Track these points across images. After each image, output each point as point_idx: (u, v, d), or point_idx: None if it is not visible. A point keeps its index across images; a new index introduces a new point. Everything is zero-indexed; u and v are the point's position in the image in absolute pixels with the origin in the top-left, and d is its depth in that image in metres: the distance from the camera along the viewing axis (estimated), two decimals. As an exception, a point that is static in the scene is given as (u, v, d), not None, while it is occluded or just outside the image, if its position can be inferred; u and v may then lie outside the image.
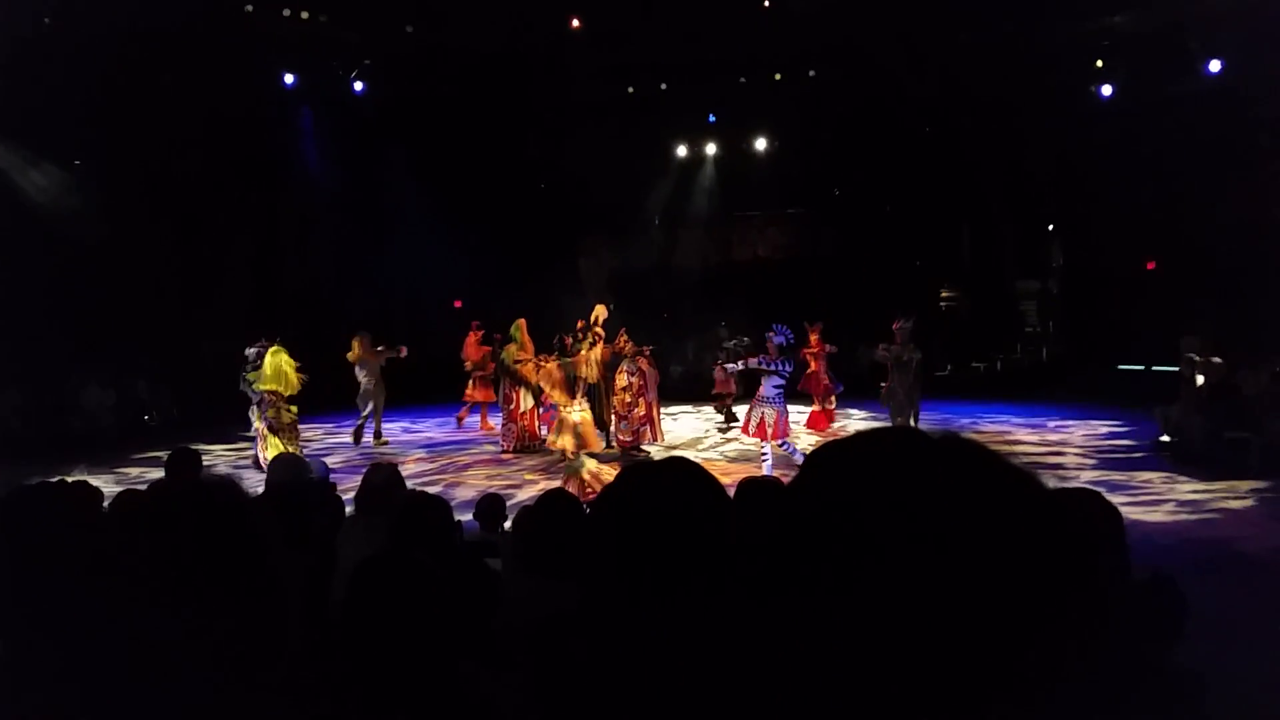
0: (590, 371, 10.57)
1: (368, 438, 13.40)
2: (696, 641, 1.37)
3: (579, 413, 10.37)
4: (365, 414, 13.42)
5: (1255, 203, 14.96)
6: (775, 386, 10.27)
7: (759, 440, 10.40)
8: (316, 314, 16.97)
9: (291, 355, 11.03)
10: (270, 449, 10.57)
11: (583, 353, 10.62)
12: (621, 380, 12.55)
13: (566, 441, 10.26)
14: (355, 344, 13.33)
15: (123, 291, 15.15)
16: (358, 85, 17.31)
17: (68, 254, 14.79)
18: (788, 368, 10.28)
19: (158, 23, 13.70)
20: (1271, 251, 13.77)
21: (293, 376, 10.87)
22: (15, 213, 14.49)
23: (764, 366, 10.28)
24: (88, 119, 14.32)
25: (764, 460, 10.34)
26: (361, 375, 13.29)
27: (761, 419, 10.35)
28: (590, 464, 9.83)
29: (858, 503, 0.82)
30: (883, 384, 12.80)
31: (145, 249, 15.68)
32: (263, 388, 10.78)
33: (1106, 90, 16.20)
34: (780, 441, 10.37)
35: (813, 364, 13.98)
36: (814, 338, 13.97)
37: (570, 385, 10.29)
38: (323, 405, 14.08)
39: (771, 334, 10.46)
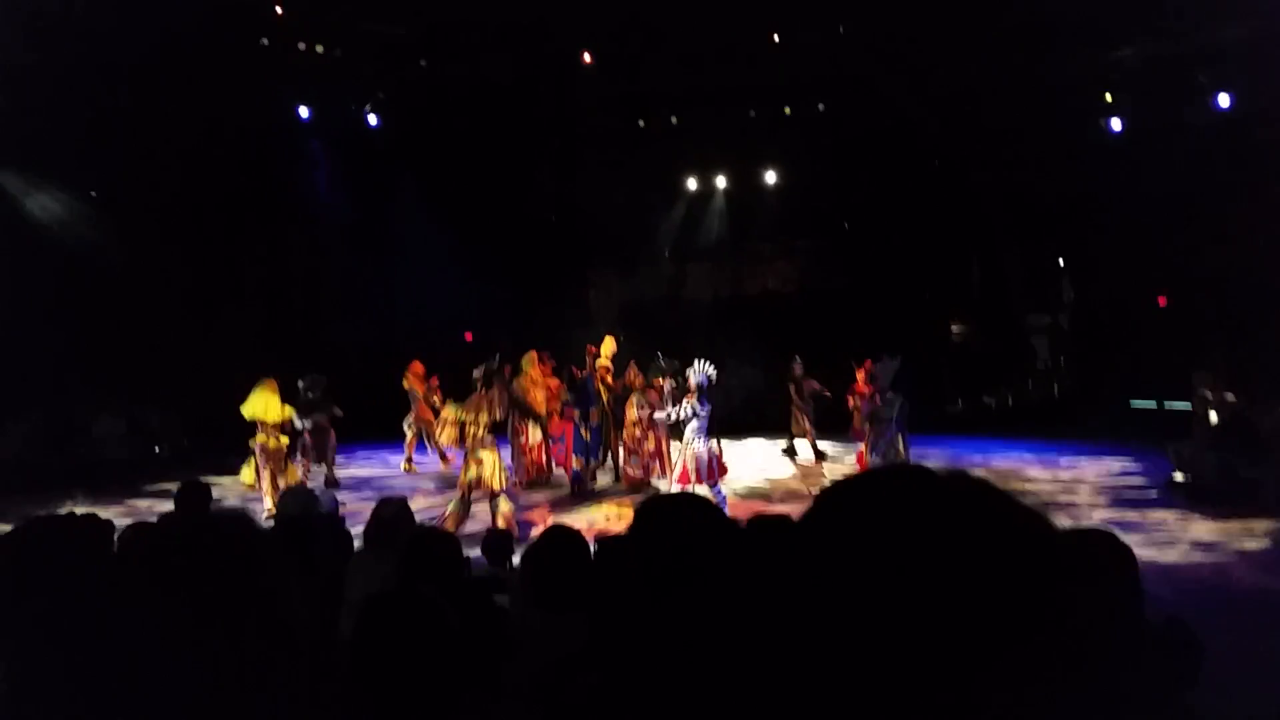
0: (485, 415, 9.83)
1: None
2: (707, 678, 1.35)
3: (482, 452, 9.76)
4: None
5: (1267, 237, 14.94)
6: (696, 430, 9.91)
7: (683, 485, 9.73)
8: (326, 344, 17.03)
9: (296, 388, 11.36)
10: (252, 476, 11.14)
11: (479, 394, 9.93)
12: (631, 414, 12.52)
13: (467, 476, 9.77)
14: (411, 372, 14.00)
15: (135, 321, 15.23)
16: (371, 118, 17.50)
17: (80, 282, 14.90)
18: (705, 408, 9.90)
19: (174, 54, 13.90)
20: (1284, 286, 13.73)
21: (272, 405, 11.02)
22: (27, 240, 14.63)
23: (684, 415, 9.96)
24: (102, 148, 14.49)
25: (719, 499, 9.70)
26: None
27: (684, 463, 9.95)
28: (506, 506, 9.64)
29: (867, 542, 0.82)
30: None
31: (158, 278, 15.80)
32: (247, 413, 11.03)
33: (1116, 124, 16.25)
34: (712, 485, 9.92)
35: (854, 403, 13.34)
36: (861, 376, 13.28)
37: (460, 428, 9.74)
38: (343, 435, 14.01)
39: (691, 372, 10.16)
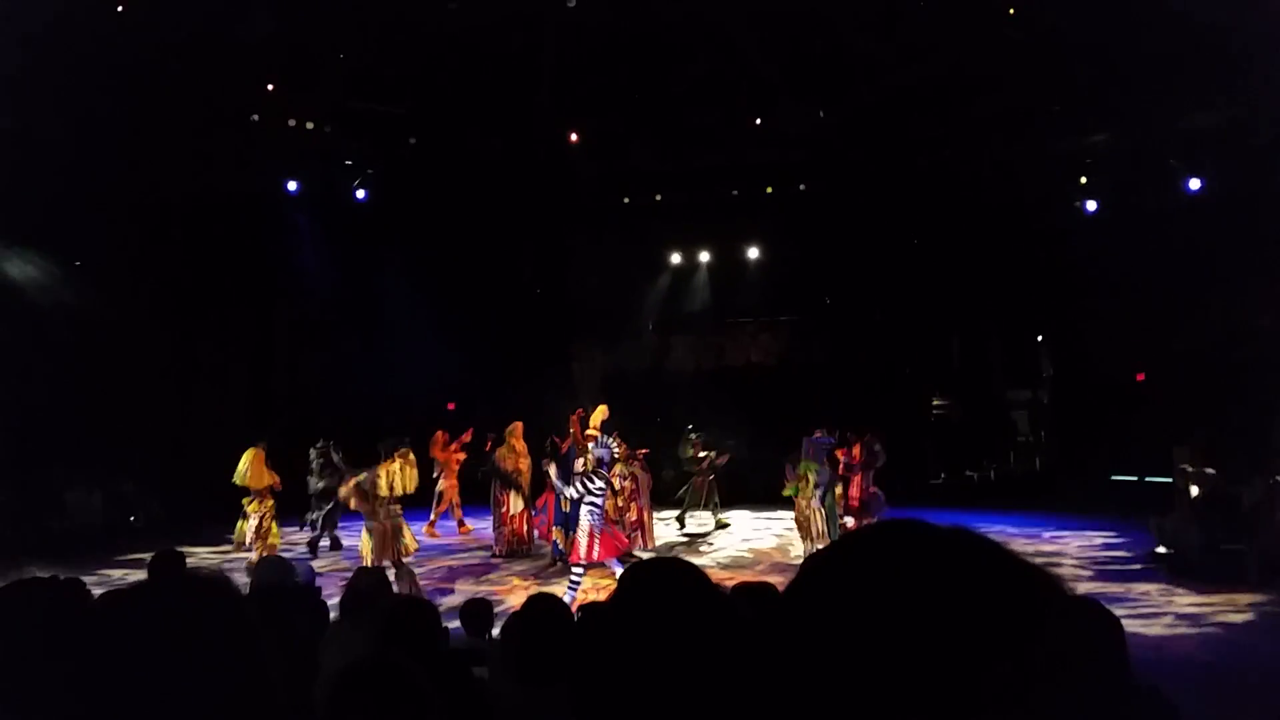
0: (385, 485, 9.90)
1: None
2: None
3: (382, 521, 9.88)
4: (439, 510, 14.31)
5: (1241, 314, 15.21)
6: (589, 503, 9.43)
7: (575, 563, 9.53)
8: (309, 415, 16.92)
9: (282, 455, 11.40)
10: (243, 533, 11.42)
11: (383, 465, 9.97)
12: (614, 484, 12.44)
13: (364, 547, 9.95)
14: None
15: (113, 390, 15.12)
16: (360, 193, 17.68)
17: (58, 349, 14.80)
18: (596, 483, 9.44)
19: (164, 125, 14.06)
20: (1259, 361, 13.92)
21: (257, 472, 11.25)
22: (6, 306, 14.55)
23: (574, 493, 9.55)
24: (88, 215, 14.54)
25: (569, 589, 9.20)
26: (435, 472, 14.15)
27: (575, 539, 9.58)
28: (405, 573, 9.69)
29: (857, 605, 0.80)
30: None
31: (138, 347, 15.73)
32: (237, 479, 11.30)
33: (1091, 205, 16.65)
34: (593, 564, 9.58)
35: (849, 474, 13.07)
36: (856, 449, 13.06)
37: (366, 497, 9.86)
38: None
39: (593, 446, 9.91)
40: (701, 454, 15.47)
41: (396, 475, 9.95)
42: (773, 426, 15.45)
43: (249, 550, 11.27)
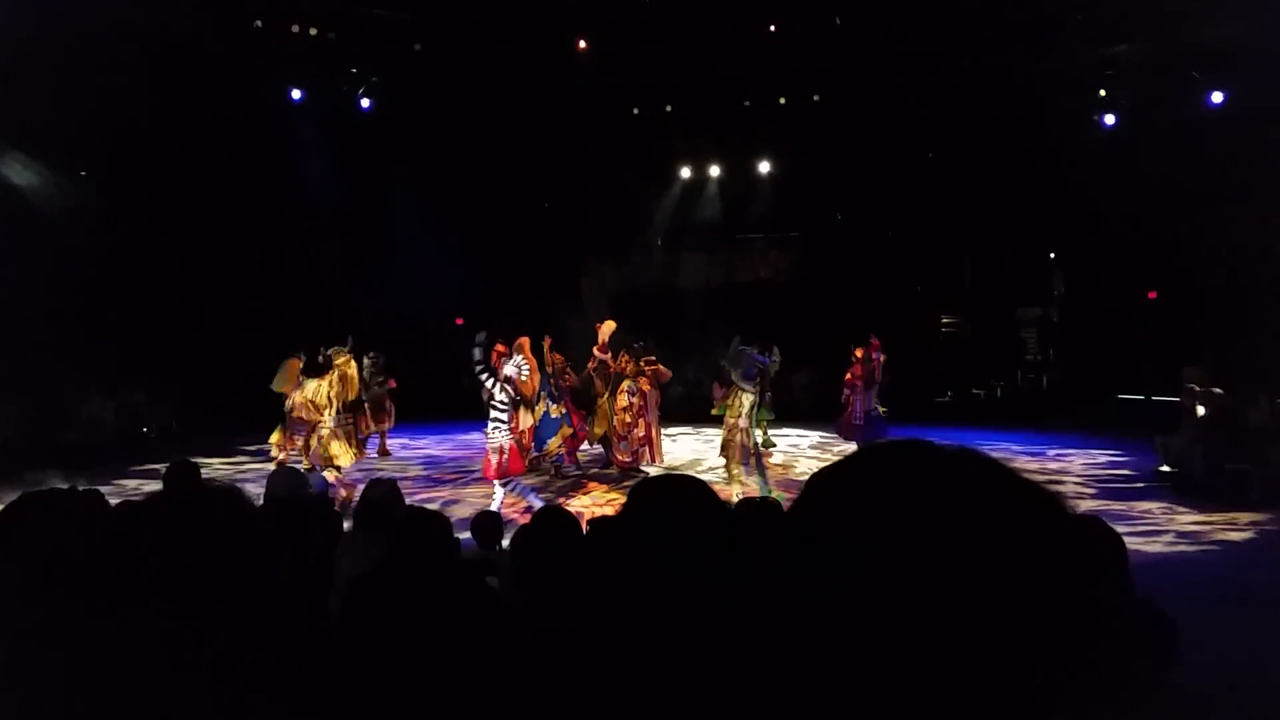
0: (325, 395, 10.17)
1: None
2: (698, 658, 1.36)
3: (327, 427, 10.15)
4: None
5: (1257, 233, 15.00)
6: (493, 420, 9.48)
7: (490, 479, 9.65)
8: (319, 327, 16.97)
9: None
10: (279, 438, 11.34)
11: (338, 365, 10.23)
12: (622, 400, 12.53)
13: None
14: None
15: (124, 301, 15.16)
16: (365, 102, 17.40)
17: (69, 263, 14.81)
18: (506, 398, 9.49)
19: (167, 36, 13.80)
20: (1274, 282, 13.80)
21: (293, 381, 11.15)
22: (15, 221, 14.52)
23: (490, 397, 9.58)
24: (93, 128, 14.38)
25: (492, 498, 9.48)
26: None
27: (486, 456, 9.67)
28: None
29: (861, 519, 0.81)
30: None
31: (148, 259, 15.72)
32: (276, 388, 11.20)
33: (1110, 119, 16.29)
34: (506, 481, 9.62)
35: (851, 393, 12.51)
36: (857, 368, 12.39)
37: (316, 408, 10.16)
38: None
39: (507, 364, 9.81)
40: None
41: (326, 387, 10.16)
42: (782, 344, 15.43)
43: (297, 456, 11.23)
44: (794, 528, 0.87)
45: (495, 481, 9.62)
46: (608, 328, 13.31)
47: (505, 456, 9.44)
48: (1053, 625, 0.76)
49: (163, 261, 16.14)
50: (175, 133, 15.08)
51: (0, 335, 12.99)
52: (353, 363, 10.55)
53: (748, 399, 10.45)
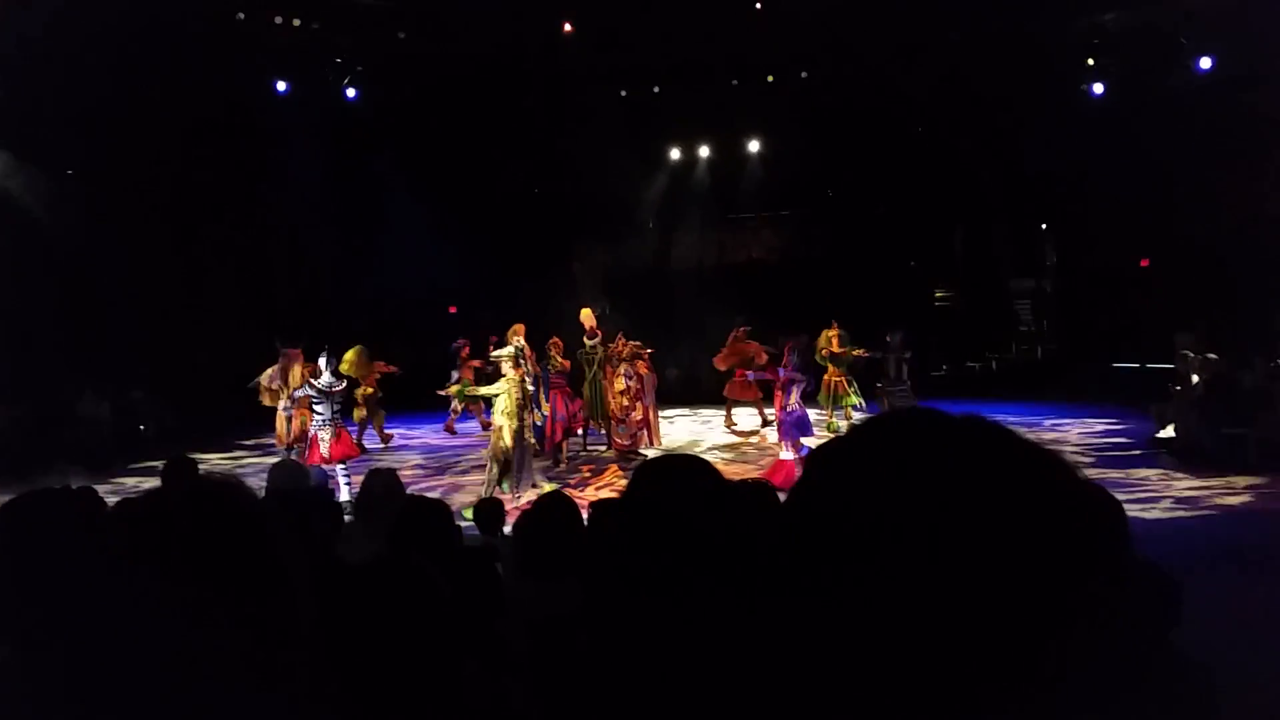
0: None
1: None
2: (701, 639, 1.36)
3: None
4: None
5: (1248, 199, 15.01)
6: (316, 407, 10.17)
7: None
8: (310, 320, 16.93)
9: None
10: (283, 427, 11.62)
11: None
12: (619, 384, 12.54)
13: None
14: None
15: (117, 300, 15.09)
16: (350, 92, 17.28)
17: (60, 262, 14.73)
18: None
19: (149, 30, 13.67)
20: (1265, 247, 13.81)
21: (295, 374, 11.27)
22: (8, 221, 14.43)
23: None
24: (79, 126, 14.28)
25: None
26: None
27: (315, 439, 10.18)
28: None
29: (871, 490, 0.80)
30: None
31: (138, 257, 15.63)
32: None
33: (1098, 88, 16.24)
34: (340, 464, 10.06)
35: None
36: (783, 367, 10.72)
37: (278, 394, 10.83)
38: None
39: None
40: (838, 350, 13.96)
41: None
42: (775, 323, 15.42)
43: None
44: (801, 501, 0.87)
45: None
46: (588, 314, 13.37)
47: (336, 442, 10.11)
48: (1071, 588, 0.75)
49: (153, 258, 16.05)
50: (160, 127, 14.98)
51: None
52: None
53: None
